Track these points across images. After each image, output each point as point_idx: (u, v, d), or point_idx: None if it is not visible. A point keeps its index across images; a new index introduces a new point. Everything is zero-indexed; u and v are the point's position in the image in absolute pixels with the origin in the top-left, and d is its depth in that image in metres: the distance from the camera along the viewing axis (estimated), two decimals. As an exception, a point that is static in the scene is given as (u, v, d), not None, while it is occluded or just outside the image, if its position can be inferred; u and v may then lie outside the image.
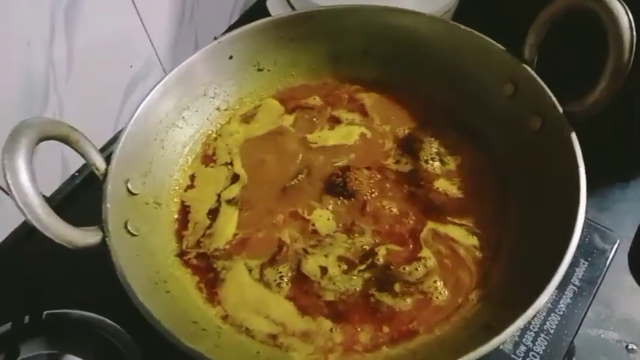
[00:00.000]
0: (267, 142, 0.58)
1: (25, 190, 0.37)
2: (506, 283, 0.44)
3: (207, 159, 0.58)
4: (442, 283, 0.46)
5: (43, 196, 0.63)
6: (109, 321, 0.51)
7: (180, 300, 0.45)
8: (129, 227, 0.46)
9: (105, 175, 0.46)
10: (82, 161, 0.66)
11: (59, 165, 0.65)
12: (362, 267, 0.47)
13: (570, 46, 0.54)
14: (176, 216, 0.53)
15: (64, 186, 0.66)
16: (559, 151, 0.46)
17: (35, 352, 0.50)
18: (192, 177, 0.56)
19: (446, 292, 0.45)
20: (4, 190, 0.59)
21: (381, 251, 0.48)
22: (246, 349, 0.42)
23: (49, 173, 0.64)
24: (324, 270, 0.47)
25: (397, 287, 0.46)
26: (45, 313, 0.52)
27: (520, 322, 0.36)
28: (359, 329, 0.44)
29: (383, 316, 0.45)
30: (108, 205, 0.44)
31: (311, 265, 0.48)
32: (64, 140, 0.44)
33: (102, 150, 0.65)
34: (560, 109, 0.47)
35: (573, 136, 0.45)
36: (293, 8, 0.70)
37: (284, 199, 0.53)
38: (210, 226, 0.52)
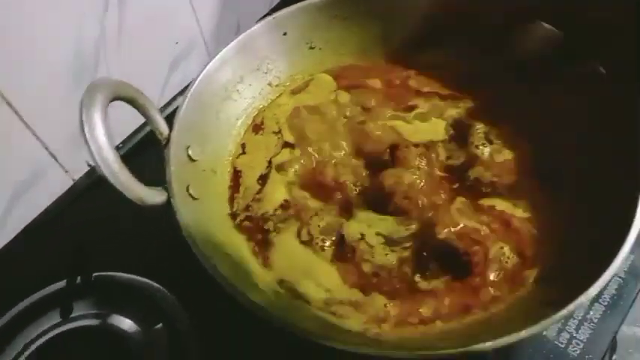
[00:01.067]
0: (317, 112, 0.59)
1: (102, 144, 0.38)
2: (563, 264, 0.44)
3: (257, 128, 0.59)
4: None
5: (89, 165, 0.66)
6: (155, 284, 0.52)
7: (238, 264, 0.46)
8: (190, 191, 0.47)
9: (168, 139, 0.47)
10: (127, 133, 0.69)
11: None
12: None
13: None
14: (230, 183, 0.54)
15: None
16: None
17: (86, 310, 0.52)
18: (244, 145, 0.58)
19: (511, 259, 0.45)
20: (52, 155, 0.61)
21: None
22: (304, 312, 0.43)
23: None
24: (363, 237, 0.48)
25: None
26: (94, 274, 0.54)
27: (582, 299, 0.36)
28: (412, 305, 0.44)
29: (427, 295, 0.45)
30: (172, 167, 0.45)
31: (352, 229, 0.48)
32: (132, 102, 0.45)
33: (145, 124, 0.66)
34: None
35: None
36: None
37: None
38: (259, 191, 0.53)
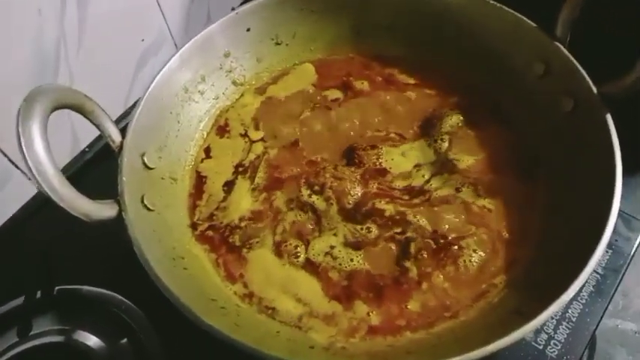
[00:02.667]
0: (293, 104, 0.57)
1: (40, 158, 0.36)
2: (535, 268, 0.43)
3: (221, 130, 0.56)
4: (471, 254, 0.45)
5: None
6: (120, 297, 0.50)
7: (197, 277, 0.44)
8: (145, 202, 0.45)
9: (120, 147, 0.45)
10: (93, 136, 0.66)
11: (69, 139, 0.64)
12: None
13: (605, 23, 0.52)
14: (191, 190, 0.52)
15: (74, 161, 0.65)
16: (592, 133, 0.44)
17: (47, 327, 0.49)
18: (208, 149, 0.55)
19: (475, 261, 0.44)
20: (12, 162, 0.58)
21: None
22: (266, 328, 0.41)
23: (59, 148, 0.62)
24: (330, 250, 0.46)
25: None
26: (56, 288, 0.51)
27: (554, 308, 0.35)
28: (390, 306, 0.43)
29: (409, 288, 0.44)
30: (124, 178, 0.43)
31: (318, 247, 0.47)
32: (79, 109, 0.42)
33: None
34: (595, 90, 0.45)
35: (609, 117, 0.44)
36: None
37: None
38: (224, 199, 0.51)
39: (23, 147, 0.35)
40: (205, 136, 0.56)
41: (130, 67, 0.68)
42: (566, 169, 0.47)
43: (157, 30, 0.69)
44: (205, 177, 0.53)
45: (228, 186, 0.52)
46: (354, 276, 0.45)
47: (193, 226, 0.49)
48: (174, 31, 0.72)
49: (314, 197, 0.49)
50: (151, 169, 0.48)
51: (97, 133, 0.64)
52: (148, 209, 0.45)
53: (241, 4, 0.76)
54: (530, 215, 0.47)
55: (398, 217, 0.47)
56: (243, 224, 0.48)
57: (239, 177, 0.52)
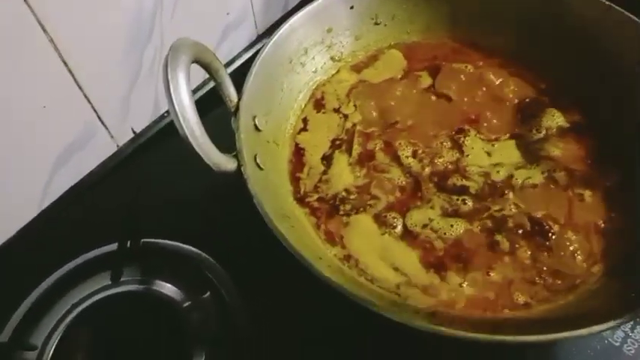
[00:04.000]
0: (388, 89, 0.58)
1: (185, 105, 0.37)
2: (634, 258, 0.43)
3: (318, 103, 0.58)
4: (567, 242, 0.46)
5: (133, 131, 0.65)
6: (205, 255, 0.52)
7: (303, 236, 0.46)
8: (257, 160, 0.46)
9: (237, 107, 0.46)
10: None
11: (151, 104, 0.66)
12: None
13: None
14: (291, 158, 0.54)
15: (153, 124, 0.67)
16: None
17: (135, 276, 0.52)
18: (305, 120, 0.57)
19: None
20: (100, 119, 0.60)
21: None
22: (369, 290, 0.43)
23: (141, 110, 0.64)
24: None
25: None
26: (142, 240, 0.54)
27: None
28: (487, 275, 0.44)
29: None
30: (242, 135, 0.44)
31: (416, 217, 0.48)
32: (208, 66, 0.44)
33: (195, 90, 0.65)
34: None
35: None
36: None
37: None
38: (325, 172, 0.52)
39: (172, 93, 0.37)
40: (303, 106, 0.57)
41: (213, 39, 0.69)
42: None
43: (242, 6, 0.71)
44: (303, 149, 0.54)
45: (327, 160, 0.53)
46: (454, 244, 0.46)
47: (301, 200, 0.50)
48: (257, 9, 0.74)
49: (410, 159, 0.51)
50: (260, 131, 0.49)
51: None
52: (260, 168, 0.46)
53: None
54: (628, 208, 0.47)
55: (493, 192, 0.48)
56: (347, 195, 0.50)
57: (336, 151, 0.54)
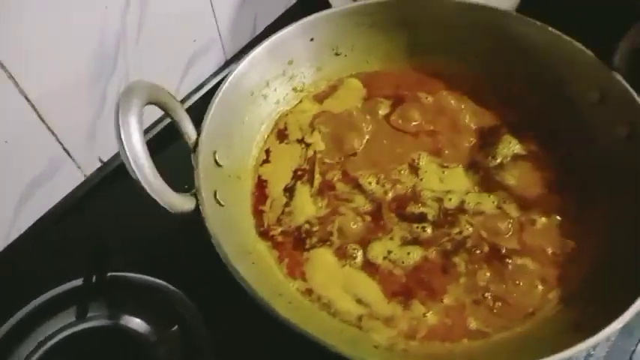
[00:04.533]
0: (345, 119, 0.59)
1: (138, 151, 0.37)
2: (590, 284, 0.44)
3: (281, 134, 0.59)
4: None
5: (100, 161, 0.65)
6: (170, 286, 0.52)
7: (263, 272, 0.46)
8: (217, 197, 0.46)
9: (196, 144, 0.46)
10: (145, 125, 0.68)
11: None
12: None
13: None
14: (253, 190, 0.54)
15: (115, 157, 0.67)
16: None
17: (100, 311, 0.51)
18: (268, 152, 0.57)
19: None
20: (66, 150, 0.60)
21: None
22: (329, 325, 0.43)
23: (109, 138, 0.64)
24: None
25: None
26: (108, 274, 0.53)
27: (615, 325, 0.36)
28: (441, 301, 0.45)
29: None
30: (200, 174, 0.44)
31: (377, 249, 0.49)
32: (164, 107, 0.44)
33: (156, 123, 0.66)
34: (652, 119, 0.47)
35: (666, 146, 0.45)
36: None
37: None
38: (287, 204, 0.53)
39: (123, 139, 0.37)
40: (266, 138, 0.58)
41: (180, 65, 0.70)
42: (622, 194, 0.48)
43: (209, 32, 0.71)
44: (266, 181, 0.55)
45: (289, 191, 0.54)
46: (412, 272, 0.47)
47: (264, 233, 0.51)
48: (224, 34, 0.74)
49: (372, 185, 0.52)
50: (221, 166, 0.49)
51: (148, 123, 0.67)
52: (220, 204, 0.46)
53: (289, 9, 0.79)
54: (583, 235, 0.48)
55: (451, 219, 0.50)
56: (309, 227, 0.51)
57: (298, 182, 0.54)
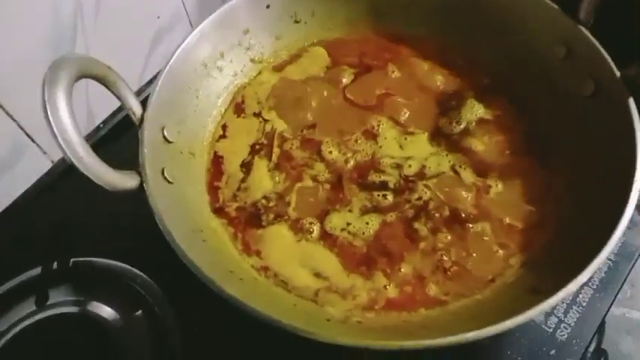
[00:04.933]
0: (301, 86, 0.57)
1: (65, 126, 0.36)
2: (551, 250, 0.43)
3: (238, 108, 0.57)
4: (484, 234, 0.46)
5: None
6: (135, 270, 0.51)
7: (216, 250, 0.45)
8: (165, 174, 0.45)
9: (141, 120, 0.45)
10: (107, 112, 0.66)
11: (84, 116, 0.64)
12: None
13: (629, 8, 0.52)
14: (208, 166, 0.52)
15: (88, 138, 0.65)
16: (613, 118, 0.44)
17: (63, 297, 0.50)
18: (225, 127, 0.55)
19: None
20: (29, 136, 0.59)
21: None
22: (283, 300, 0.42)
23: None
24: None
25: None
26: (72, 260, 0.52)
27: (571, 287, 0.35)
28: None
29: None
30: (145, 150, 0.43)
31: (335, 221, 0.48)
32: (102, 80, 0.42)
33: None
34: (617, 73, 0.45)
35: (631, 101, 0.43)
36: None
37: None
38: (243, 180, 0.51)
39: (49, 114, 0.35)
40: (223, 112, 0.56)
41: (145, 44, 0.68)
42: (585, 155, 0.47)
43: (173, 7, 0.69)
44: (222, 157, 0.53)
45: (246, 167, 0.52)
46: (373, 241, 0.46)
47: (219, 210, 0.49)
48: (190, 9, 0.72)
49: (333, 154, 0.51)
50: (171, 142, 0.48)
51: (110, 109, 0.66)
52: (168, 182, 0.45)
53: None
54: (546, 200, 0.47)
55: (412, 186, 0.48)
56: (265, 202, 0.49)
57: (255, 157, 0.52)
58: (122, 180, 0.40)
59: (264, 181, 0.51)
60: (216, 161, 0.53)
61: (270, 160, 0.52)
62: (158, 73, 0.48)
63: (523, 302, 0.36)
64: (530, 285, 0.41)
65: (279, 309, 0.39)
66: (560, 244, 0.43)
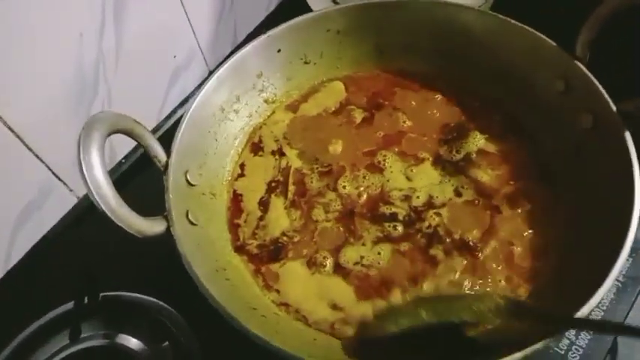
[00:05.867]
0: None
1: (100, 182, 0.39)
2: (557, 278, 0.44)
3: (255, 147, 0.59)
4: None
5: None
6: (162, 303, 0.53)
7: (238, 287, 0.47)
8: (190, 217, 0.48)
9: (166, 166, 0.48)
10: (129, 149, 0.69)
11: (107, 152, 0.66)
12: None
13: (625, 43, 0.54)
14: (228, 204, 0.55)
15: (111, 173, 0.68)
16: (612, 150, 0.46)
17: (94, 331, 0.53)
18: (243, 166, 0.58)
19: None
20: (57, 176, 0.62)
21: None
22: (303, 335, 0.44)
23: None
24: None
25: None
26: (101, 295, 0.55)
27: (580, 315, 0.37)
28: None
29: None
30: (170, 195, 0.46)
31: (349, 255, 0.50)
32: (129, 133, 0.46)
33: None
34: (614, 108, 0.47)
35: (627, 135, 0.45)
36: (335, 2, 0.71)
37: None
38: (262, 218, 0.54)
39: (85, 172, 0.38)
40: (240, 152, 0.59)
41: (163, 82, 0.71)
42: (586, 184, 0.49)
43: (188, 46, 0.72)
44: (241, 195, 0.56)
45: (264, 205, 0.55)
46: (386, 271, 0.48)
47: (240, 248, 0.52)
48: (204, 47, 0.75)
49: (347, 188, 0.54)
50: (193, 185, 0.51)
51: (131, 145, 0.69)
52: (192, 224, 0.48)
53: (269, 16, 0.80)
54: (551, 228, 0.48)
55: (418, 216, 0.51)
56: (284, 239, 0.52)
57: (272, 195, 0.55)
58: (151, 227, 0.43)
59: (281, 218, 0.53)
60: (236, 199, 0.55)
61: (285, 197, 0.55)
62: (179, 116, 0.51)
63: (529, 332, 0.38)
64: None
65: (301, 344, 0.42)
66: (565, 274, 0.44)
